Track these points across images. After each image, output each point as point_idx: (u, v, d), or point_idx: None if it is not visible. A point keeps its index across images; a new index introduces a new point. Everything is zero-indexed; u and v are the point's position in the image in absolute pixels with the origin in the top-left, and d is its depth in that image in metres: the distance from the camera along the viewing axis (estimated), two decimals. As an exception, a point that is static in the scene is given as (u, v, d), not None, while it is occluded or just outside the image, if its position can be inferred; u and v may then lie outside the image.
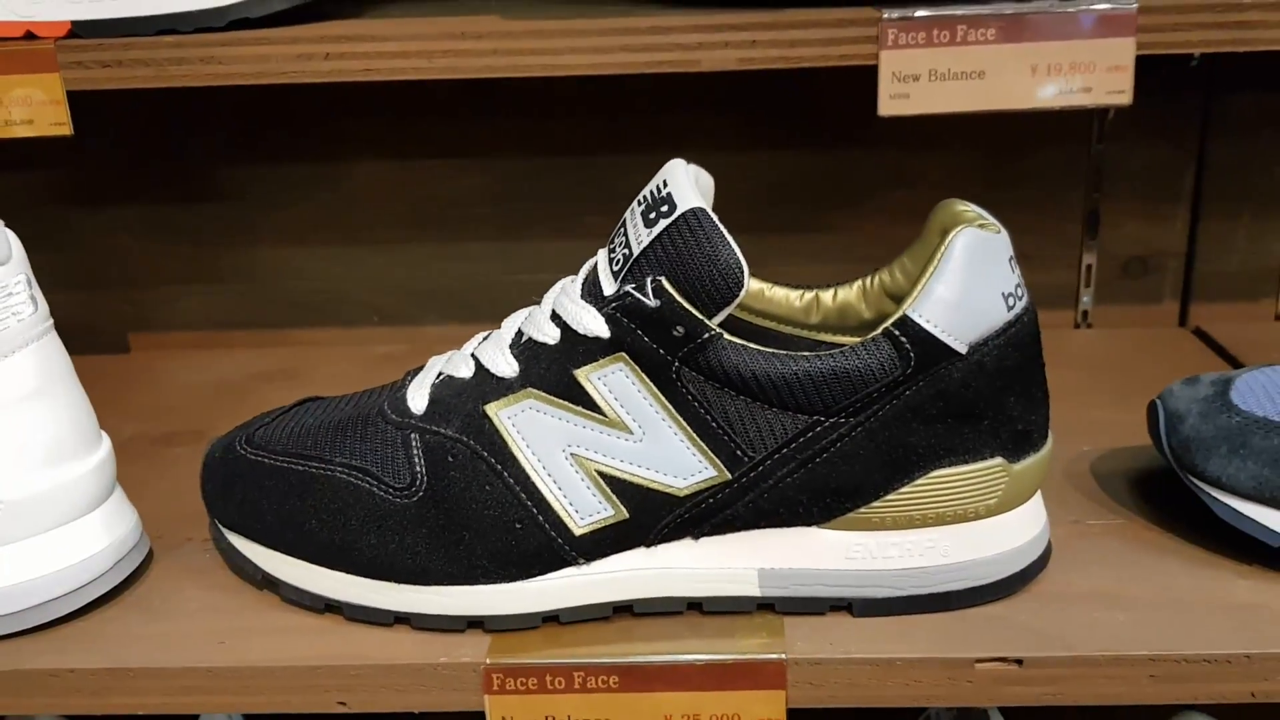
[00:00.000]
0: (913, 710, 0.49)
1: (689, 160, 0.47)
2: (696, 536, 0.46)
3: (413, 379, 0.49)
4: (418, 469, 0.46)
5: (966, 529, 0.46)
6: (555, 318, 0.46)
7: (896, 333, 0.44)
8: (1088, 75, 0.55)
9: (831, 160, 0.75)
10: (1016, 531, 0.47)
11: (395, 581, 0.46)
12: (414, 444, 0.46)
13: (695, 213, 0.43)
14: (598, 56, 0.55)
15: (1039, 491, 0.48)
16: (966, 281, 0.44)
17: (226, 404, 0.69)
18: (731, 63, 0.55)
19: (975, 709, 0.51)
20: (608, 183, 0.75)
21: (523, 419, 0.45)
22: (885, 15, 0.53)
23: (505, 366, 0.46)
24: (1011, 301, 0.45)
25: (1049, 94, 0.55)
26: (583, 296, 0.45)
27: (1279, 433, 0.47)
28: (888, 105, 0.55)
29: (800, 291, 0.52)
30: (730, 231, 0.43)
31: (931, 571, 0.46)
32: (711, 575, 0.46)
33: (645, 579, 0.46)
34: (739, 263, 0.43)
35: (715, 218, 0.43)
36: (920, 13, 0.53)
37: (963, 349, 0.44)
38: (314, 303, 0.78)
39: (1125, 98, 0.55)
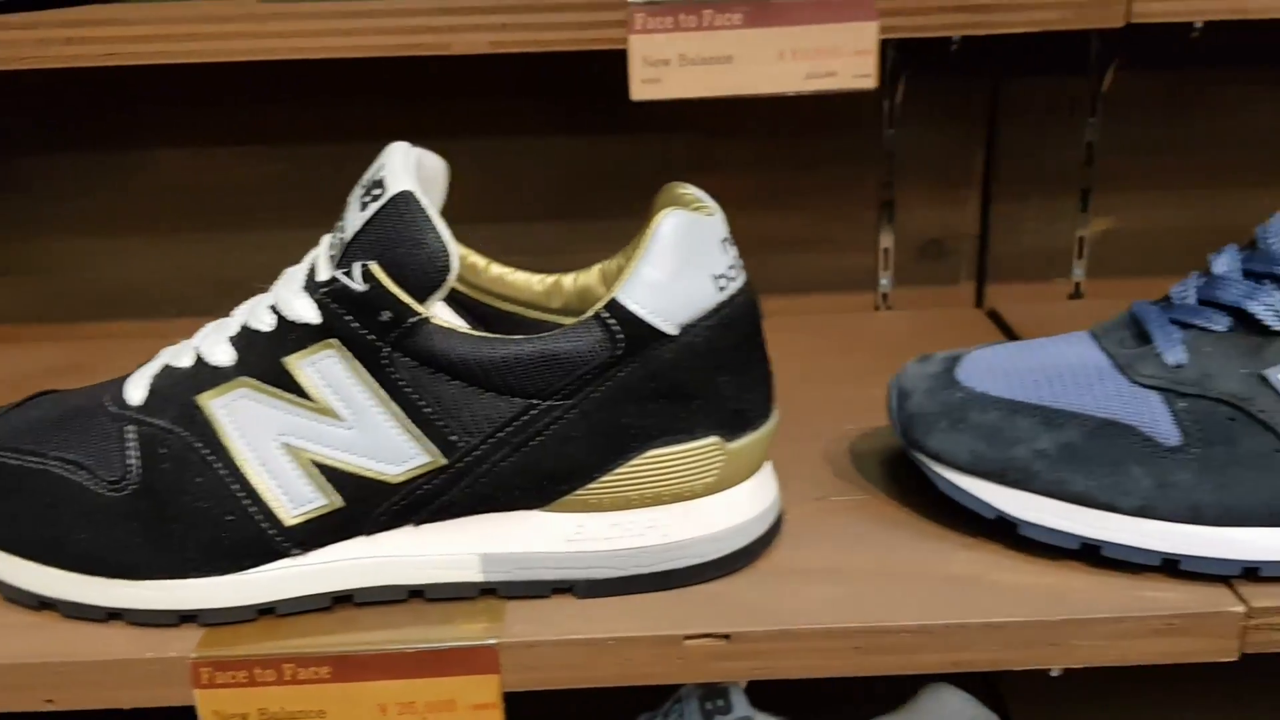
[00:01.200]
0: (660, 690, 0.49)
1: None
2: (416, 523, 0.46)
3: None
4: (130, 461, 0.45)
5: (685, 507, 0.46)
6: (272, 306, 0.45)
7: (606, 315, 0.44)
8: (833, 59, 0.55)
9: (635, 145, 0.75)
10: (737, 509, 0.47)
11: (107, 576, 0.45)
12: (129, 436, 0.46)
13: (404, 196, 0.43)
14: (349, 39, 0.55)
15: (768, 468, 0.49)
16: (674, 264, 0.44)
17: (14, 399, 0.67)
18: (483, 46, 0.55)
19: (718, 686, 0.52)
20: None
21: (236, 408, 0.45)
22: (633, 0, 0.53)
23: (222, 356, 0.46)
24: (723, 283, 0.46)
25: (797, 78, 0.56)
26: (303, 285, 0.45)
27: (996, 407, 0.48)
28: (639, 89, 0.56)
29: (542, 276, 0.52)
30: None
31: (651, 550, 0.46)
32: (432, 562, 0.46)
33: (364, 568, 0.46)
34: (444, 247, 0.43)
35: (424, 201, 0.43)
36: (665, -3, 0.53)
37: (672, 330, 0.44)
38: (109, 295, 0.77)
39: (870, 81, 0.56)
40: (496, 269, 0.52)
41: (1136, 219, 0.76)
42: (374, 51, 0.55)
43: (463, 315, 0.51)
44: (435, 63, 0.56)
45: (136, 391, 0.47)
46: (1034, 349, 0.51)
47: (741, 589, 0.47)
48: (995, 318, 0.75)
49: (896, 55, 0.71)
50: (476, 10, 0.54)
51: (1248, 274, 0.48)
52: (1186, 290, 0.49)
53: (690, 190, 0.48)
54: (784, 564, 0.48)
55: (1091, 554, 0.47)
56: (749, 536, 0.48)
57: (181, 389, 0.46)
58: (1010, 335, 0.72)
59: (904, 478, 0.55)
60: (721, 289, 0.45)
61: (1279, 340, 0.46)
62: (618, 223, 0.77)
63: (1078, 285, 0.78)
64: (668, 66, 0.55)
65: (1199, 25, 0.63)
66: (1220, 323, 0.47)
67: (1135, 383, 0.47)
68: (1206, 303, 0.48)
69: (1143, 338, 0.49)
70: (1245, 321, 0.47)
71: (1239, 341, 0.47)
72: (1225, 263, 0.49)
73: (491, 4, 0.54)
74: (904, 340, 0.73)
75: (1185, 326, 0.48)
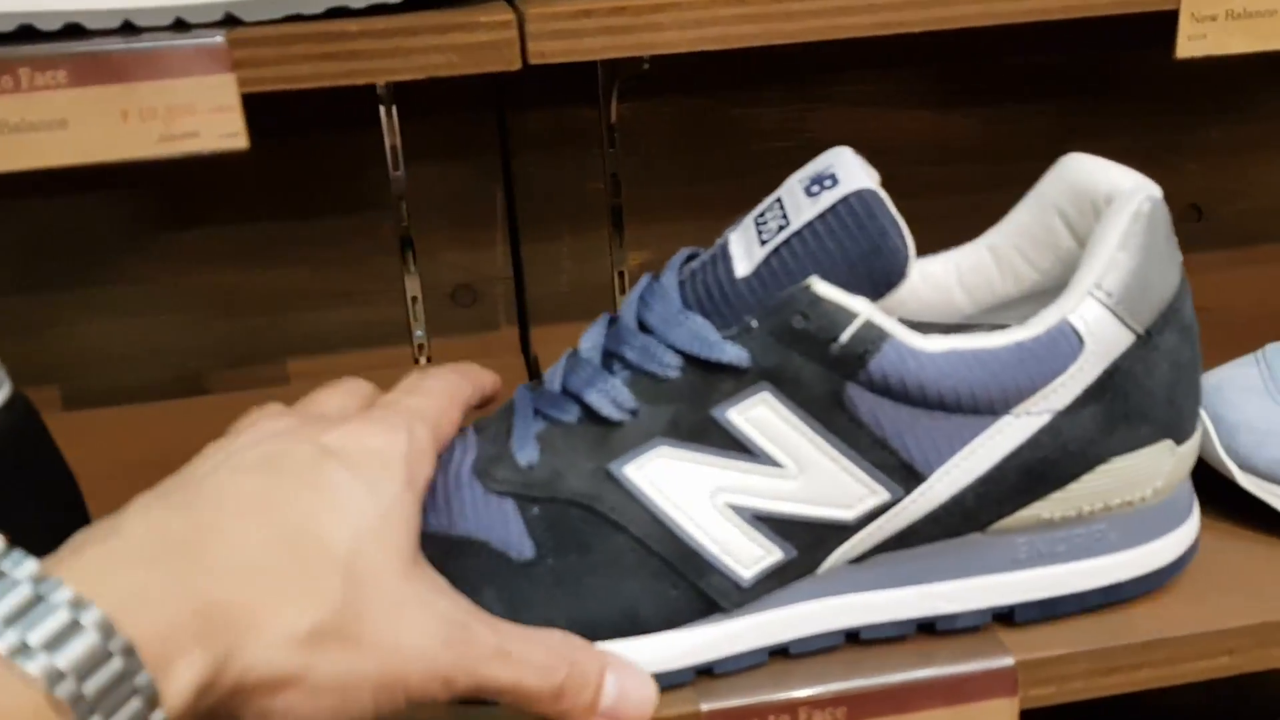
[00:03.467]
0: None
1: None
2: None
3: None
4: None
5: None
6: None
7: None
8: (190, 118, 0.49)
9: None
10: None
11: None
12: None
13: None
14: None
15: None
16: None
17: None
18: None
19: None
20: None
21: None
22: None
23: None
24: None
25: (148, 142, 0.49)
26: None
27: None
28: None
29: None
30: None
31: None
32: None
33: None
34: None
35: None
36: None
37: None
38: None
39: (240, 140, 0.49)
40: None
41: (671, 249, 0.72)
42: None
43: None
44: None
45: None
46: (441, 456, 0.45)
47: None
48: (535, 365, 0.70)
49: (385, 89, 0.65)
50: None
51: (607, 354, 0.43)
52: (554, 374, 0.44)
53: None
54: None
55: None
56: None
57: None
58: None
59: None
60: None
61: (622, 430, 0.41)
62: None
63: (625, 322, 0.73)
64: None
65: (647, 60, 0.59)
66: (571, 413, 0.42)
67: (490, 490, 0.42)
68: (567, 390, 0.43)
69: (504, 429, 0.44)
70: (590, 411, 0.42)
71: (587, 433, 0.42)
72: (590, 339, 0.44)
73: None
74: None
75: (545, 418, 0.43)
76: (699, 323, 0.40)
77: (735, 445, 0.41)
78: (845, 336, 0.39)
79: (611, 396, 0.41)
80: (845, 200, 0.39)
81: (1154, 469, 0.43)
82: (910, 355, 0.39)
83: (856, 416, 0.40)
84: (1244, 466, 0.48)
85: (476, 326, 0.72)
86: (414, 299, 0.71)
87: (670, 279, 0.43)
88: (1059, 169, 0.46)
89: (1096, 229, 0.42)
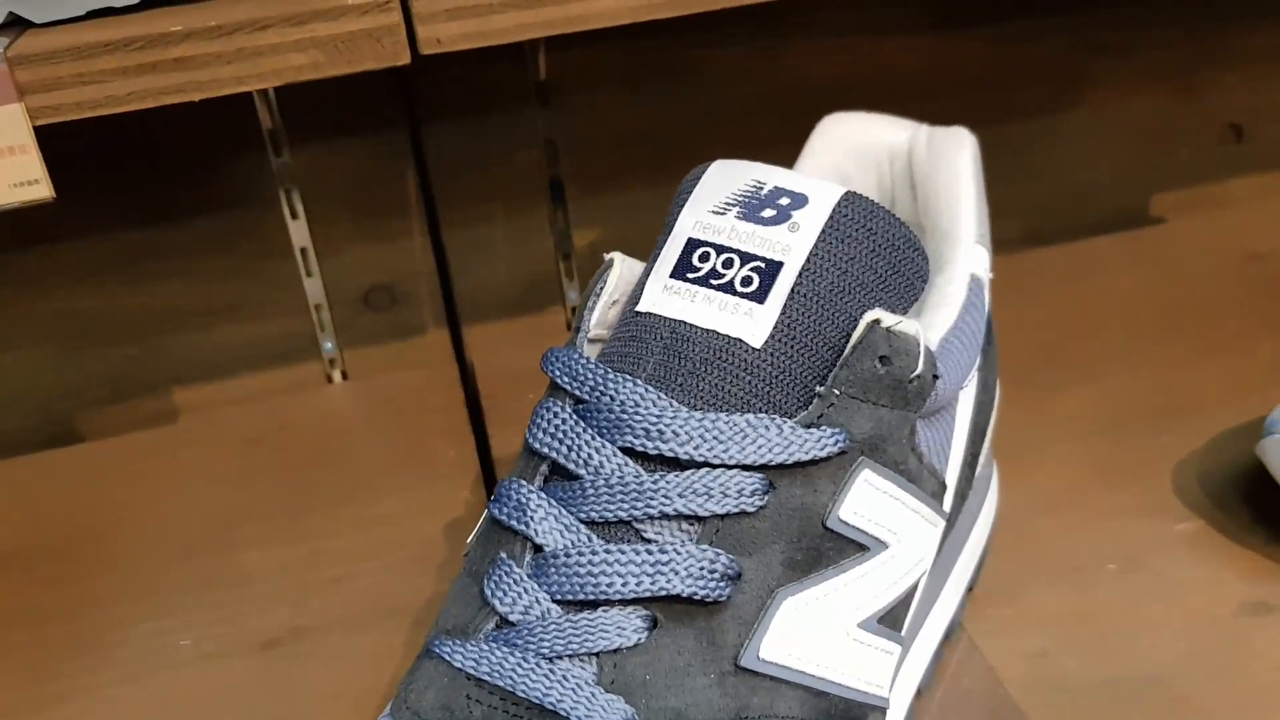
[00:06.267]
0: None
1: None
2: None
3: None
4: None
5: None
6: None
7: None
8: (-27, 166, 0.37)
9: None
10: None
11: None
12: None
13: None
14: None
15: None
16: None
17: None
18: None
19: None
20: None
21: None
22: None
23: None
24: None
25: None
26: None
27: None
28: None
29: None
30: None
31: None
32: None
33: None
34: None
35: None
36: None
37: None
38: None
39: (42, 189, 0.37)
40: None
41: (626, 223, 0.60)
42: None
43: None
44: None
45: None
46: None
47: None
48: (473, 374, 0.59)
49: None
50: None
51: (600, 525, 0.29)
52: (514, 596, 0.30)
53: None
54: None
55: None
56: None
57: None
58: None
59: None
60: None
61: (732, 607, 0.29)
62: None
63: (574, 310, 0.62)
64: None
65: None
66: (635, 625, 0.29)
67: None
68: (577, 603, 0.29)
69: (523, 708, 0.28)
70: (676, 603, 0.29)
71: (675, 641, 0.29)
72: (545, 525, 0.30)
73: None
74: (373, 418, 0.57)
75: (584, 655, 0.29)
76: (769, 423, 0.29)
77: (851, 549, 0.31)
78: (920, 365, 0.31)
79: (707, 569, 0.28)
80: (836, 213, 0.31)
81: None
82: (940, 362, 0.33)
83: (920, 452, 0.33)
84: None
85: (398, 333, 0.61)
86: (317, 306, 0.59)
87: (633, 389, 0.30)
88: (823, 134, 0.43)
89: (941, 179, 0.40)
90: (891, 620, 0.32)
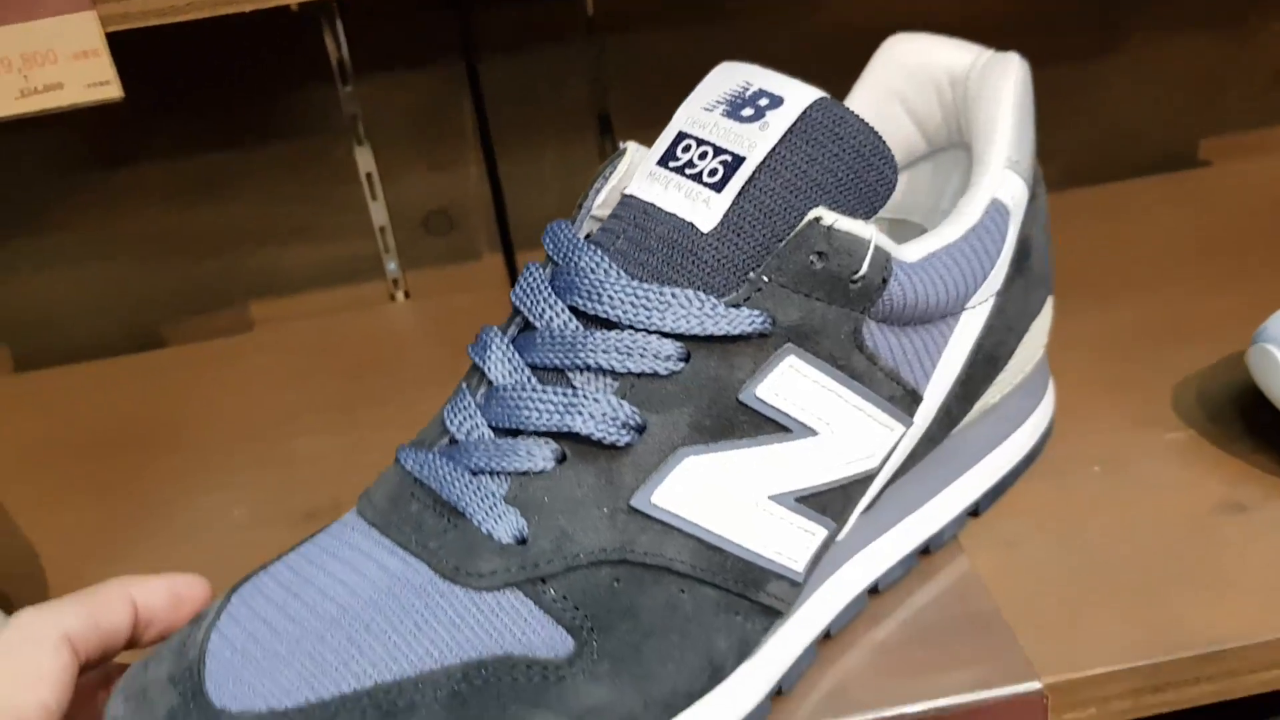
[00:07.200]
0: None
1: None
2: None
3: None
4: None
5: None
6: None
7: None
8: (50, 68, 0.41)
9: None
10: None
11: None
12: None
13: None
14: None
15: None
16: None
17: None
18: None
19: None
20: None
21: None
22: None
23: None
24: None
25: (10, 98, 0.41)
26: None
27: None
28: None
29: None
30: None
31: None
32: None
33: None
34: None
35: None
36: None
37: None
38: None
39: (112, 90, 0.41)
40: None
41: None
42: None
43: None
44: None
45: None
46: (305, 583, 0.33)
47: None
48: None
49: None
50: None
51: (543, 370, 0.33)
52: (463, 417, 0.34)
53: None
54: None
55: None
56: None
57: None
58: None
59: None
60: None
61: (633, 454, 0.32)
62: None
63: (622, 240, 0.65)
64: None
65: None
66: (540, 457, 0.33)
67: (479, 588, 0.32)
68: (509, 430, 0.33)
69: (444, 508, 0.33)
70: (581, 442, 0.32)
71: (582, 474, 0.32)
72: (499, 364, 0.34)
73: None
74: (430, 331, 0.62)
75: (501, 474, 0.33)
76: (693, 296, 0.32)
77: (768, 427, 0.33)
78: (864, 267, 0.33)
79: (611, 416, 0.32)
80: (806, 116, 0.33)
81: (1044, 329, 0.43)
82: (906, 272, 0.35)
83: (872, 353, 0.35)
84: None
85: (455, 256, 0.65)
86: (382, 229, 0.63)
87: (592, 257, 0.34)
88: (884, 55, 0.44)
89: (980, 101, 0.40)
90: (819, 504, 0.35)
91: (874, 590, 0.40)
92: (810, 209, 0.33)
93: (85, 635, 0.32)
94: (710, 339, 0.32)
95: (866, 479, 0.36)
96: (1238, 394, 0.46)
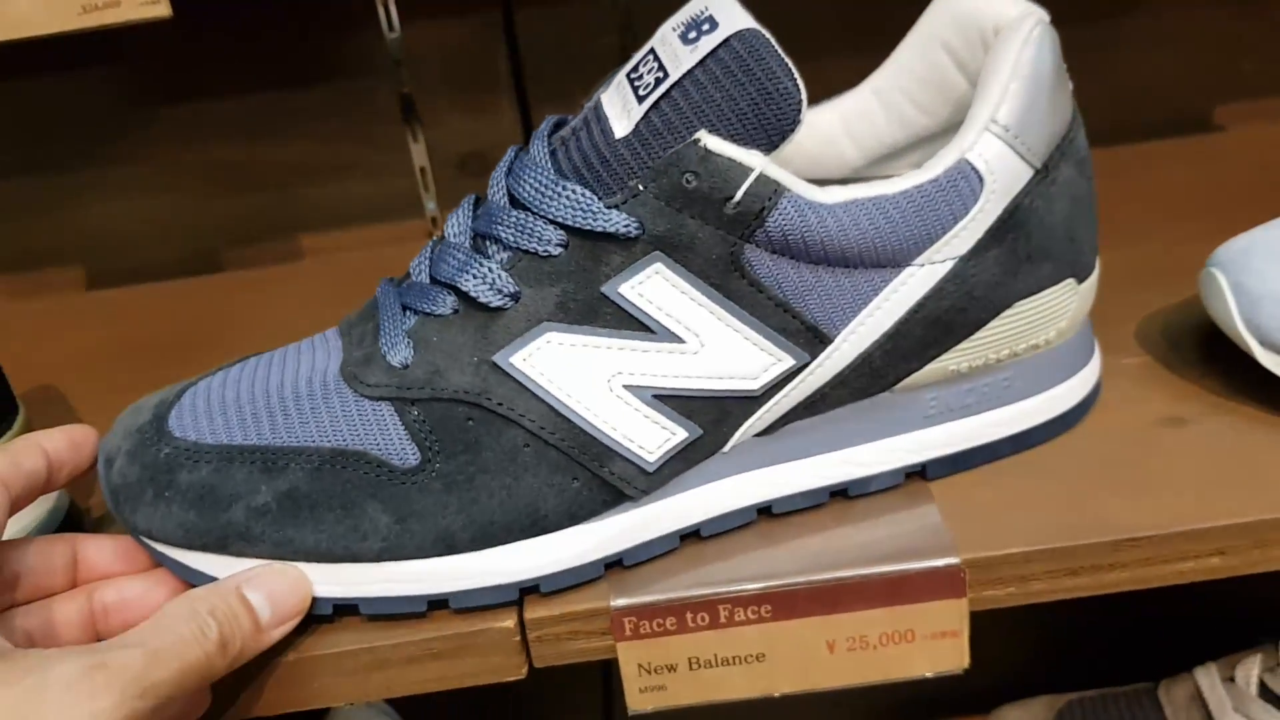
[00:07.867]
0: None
1: None
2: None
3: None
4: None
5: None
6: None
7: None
8: (109, -14, 0.46)
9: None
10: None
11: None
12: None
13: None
14: None
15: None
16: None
17: None
18: None
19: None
20: None
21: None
22: None
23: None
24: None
25: (70, 14, 0.46)
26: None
27: (208, 460, 0.38)
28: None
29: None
30: None
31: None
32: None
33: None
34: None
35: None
36: None
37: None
38: None
39: (161, 8, 0.46)
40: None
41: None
42: None
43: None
44: None
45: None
46: (271, 364, 0.41)
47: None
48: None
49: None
50: None
51: (477, 236, 0.39)
52: (420, 264, 0.40)
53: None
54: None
55: (351, 611, 0.39)
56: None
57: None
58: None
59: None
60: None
61: (505, 317, 0.37)
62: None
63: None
64: None
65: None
66: (444, 304, 0.38)
67: (363, 395, 0.38)
68: (437, 280, 0.39)
69: (372, 330, 0.40)
70: (468, 300, 0.38)
71: (466, 325, 0.38)
72: (456, 222, 0.40)
73: None
74: None
75: (415, 312, 0.39)
76: (578, 192, 0.36)
77: (630, 323, 0.37)
78: (740, 194, 0.36)
79: (489, 281, 0.37)
80: (727, 43, 0.35)
81: (1057, 310, 0.41)
82: (809, 209, 0.36)
83: (756, 280, 0.37)
84: (1265, 343, 0.42)
85: (489, 196, 0.69)
86: (422, 169, 0.68)
87: (540, 148, 0.38)
88: (940, 2, 0.43)
89: (987, 60, 0.39)
90: (684, 408, 0.38)
91: (767, 512, 0.42)
92: (704, 130, 0.35)
93: (11, 474, 0.38)
94: (587, 233, 0.36)
95: (747, 400, 0.39)
96: (1197, 324, 0.48)
